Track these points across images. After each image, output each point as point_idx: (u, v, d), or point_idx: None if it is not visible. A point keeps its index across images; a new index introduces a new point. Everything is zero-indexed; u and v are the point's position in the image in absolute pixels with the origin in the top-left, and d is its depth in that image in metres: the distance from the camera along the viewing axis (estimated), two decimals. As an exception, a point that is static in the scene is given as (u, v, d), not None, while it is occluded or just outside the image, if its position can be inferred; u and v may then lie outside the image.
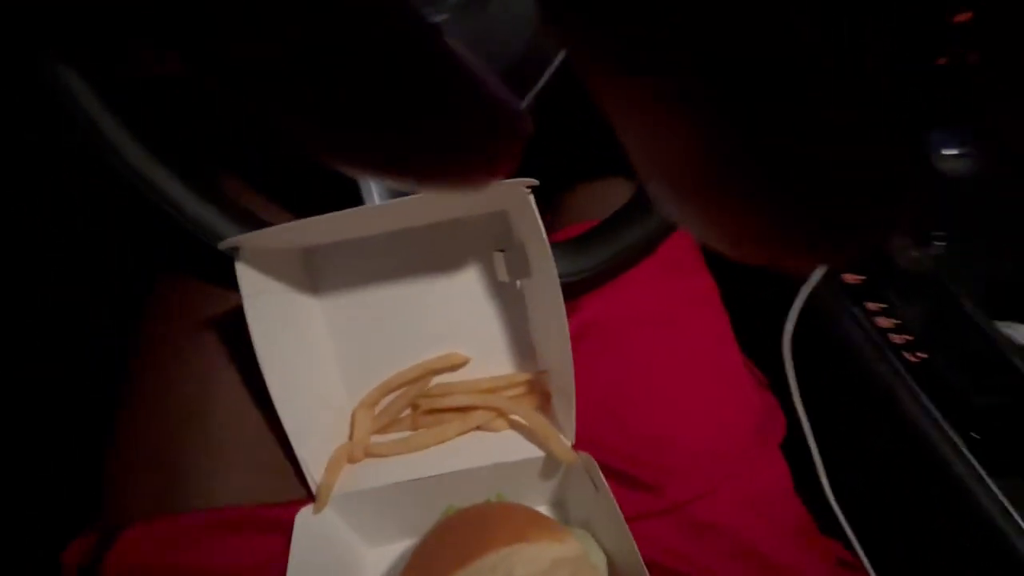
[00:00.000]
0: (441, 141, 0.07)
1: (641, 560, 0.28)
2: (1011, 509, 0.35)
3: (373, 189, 0.35)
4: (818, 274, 0.45)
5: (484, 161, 0.07)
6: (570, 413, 0.33)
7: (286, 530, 0.33)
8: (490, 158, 0.07)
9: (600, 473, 0.31)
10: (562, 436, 0.34)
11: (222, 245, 0.30)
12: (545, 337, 0.35)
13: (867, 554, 0.38)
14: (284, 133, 0.07)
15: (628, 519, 0.29)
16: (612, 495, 0.30)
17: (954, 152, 0.38)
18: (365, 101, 0.07)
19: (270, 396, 0.34)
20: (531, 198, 0.29)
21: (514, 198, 0.31)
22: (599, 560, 0.30)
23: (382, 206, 0.33)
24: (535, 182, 0.29)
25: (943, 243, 0.41)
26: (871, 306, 0.44)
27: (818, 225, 0.06)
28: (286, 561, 0.32)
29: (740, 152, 0.06)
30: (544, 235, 0.30)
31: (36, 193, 0.56)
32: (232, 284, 0.32)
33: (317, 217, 0.29)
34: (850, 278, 0.46)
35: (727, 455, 0.35)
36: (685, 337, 0.37)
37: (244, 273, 0.31)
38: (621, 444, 0.35)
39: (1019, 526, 0.34)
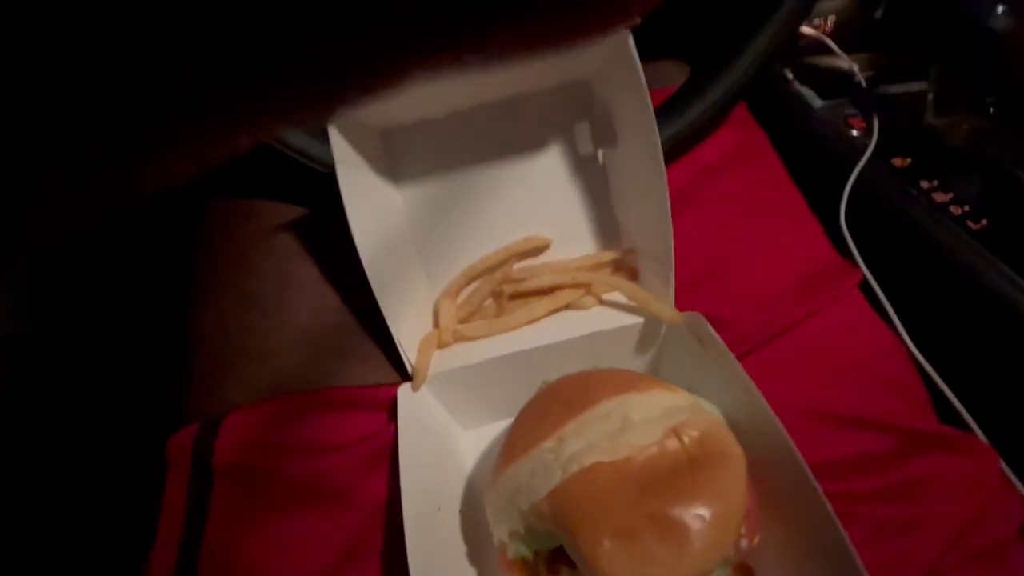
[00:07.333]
0: None
1: (764, 402, 0.28)
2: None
3: None
4: (864, 159, 0.46)
5: None
6: (669, 280, 0.33)
7: (382, 409, 0.32)
8: None
9: (710, 328, 0.31)
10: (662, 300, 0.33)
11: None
12: (636, 208, 0.34)
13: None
14: None
15: None
16: (724, 345, 0.30)
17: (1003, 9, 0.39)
18: None
19: (346, 290, 0.33)
20: (631, 39, 0.29)
21: (606, 51, 0.31)
22: (713, 409, 0.30)
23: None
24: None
25: (992, 109, 0.42)
26: (925, 184, 0.45)
27: None
28: (385, 437, 0.31)
29: None
30: (643, 80, 0.29)
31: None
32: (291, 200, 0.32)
33: None
34: (898, 162, 0.47)
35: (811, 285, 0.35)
36: (751, 183, 0.38)
37: (336, 141, 0.29)
38: (715, 303, 0.34)
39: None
